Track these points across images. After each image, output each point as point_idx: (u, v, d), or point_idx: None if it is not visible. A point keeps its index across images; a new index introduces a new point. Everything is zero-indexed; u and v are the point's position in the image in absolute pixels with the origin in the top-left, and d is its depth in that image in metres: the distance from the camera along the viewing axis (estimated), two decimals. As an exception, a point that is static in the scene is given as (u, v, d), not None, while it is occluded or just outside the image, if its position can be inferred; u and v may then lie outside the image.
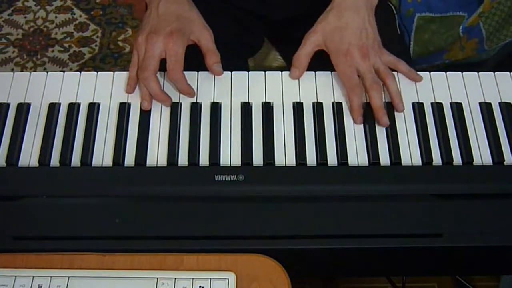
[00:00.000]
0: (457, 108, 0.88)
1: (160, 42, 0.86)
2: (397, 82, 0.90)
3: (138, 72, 0.87)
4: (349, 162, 0.83)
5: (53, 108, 0.88)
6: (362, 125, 0.87)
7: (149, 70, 0.86)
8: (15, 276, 0.70)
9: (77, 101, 0.89)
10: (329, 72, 0.92)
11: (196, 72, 0.92)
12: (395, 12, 1.09)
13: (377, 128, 0.86)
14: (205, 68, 0.91)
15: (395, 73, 0.92)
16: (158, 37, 0.86)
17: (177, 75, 0.87)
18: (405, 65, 0.92)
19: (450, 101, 0.90)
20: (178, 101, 0.89)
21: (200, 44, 0.90)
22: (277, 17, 1.10)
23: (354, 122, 0.87)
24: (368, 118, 0.87)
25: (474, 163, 0.84)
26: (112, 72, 0.92)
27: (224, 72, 0.92)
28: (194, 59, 0.90)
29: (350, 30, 0.89)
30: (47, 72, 0.92)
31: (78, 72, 0.92)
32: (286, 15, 1.09)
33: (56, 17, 2.08)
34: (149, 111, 0.87)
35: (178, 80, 0.87)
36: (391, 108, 0.88)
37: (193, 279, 0.70)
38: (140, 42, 0.88)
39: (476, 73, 0.93)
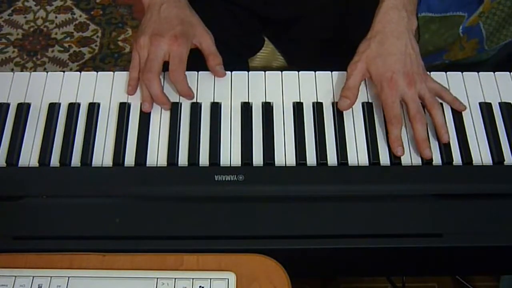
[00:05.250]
0: (457, 108, 0.88)
1: (164, 44, 0.86)
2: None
3: (141, 73, 0.87)
4: (349, 162, 0.83)
5: (53, 108, 0.88)
6: (362, 125, 0.87)
7: (152, 72, 0.86)
8: (15, 276, 0.70)
9: (77, 101, 0.89)
10: (329, 72, 0.92)
11: (196, 72, 0.92)
12: None
13: (377, 128, 0.86)
14: (204, 69, 0.91)
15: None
16: (162, 39, 0.87)
17: (179, 77, 0.87)
18: (450, 94, 0.88)
19: (450, 101, 0.90)
20: (178, 101, 0.89)
21: (202, 47, 0.91)
22: (279, 17, 1.09)
23: (394, 153, 0.83)
24: (368, 118, 0.87)
25: (474, 163, 0.84)
26: (112, 72, 0.92)
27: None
28: (194, 61, 0.90)
29: (393, 57, 0.86)
30: (47, 72, 0.92)
31: (78, 72, 0.92)
32: (289, 14, 1.09)
33: (56, 17, 2.08)
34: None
35: (179, 81, 0.87)
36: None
37: (193, 279, 0.70)
38: (143, 43, 0.88)
39: (476, 73, 0.93)
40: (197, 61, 0.90)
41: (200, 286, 0.69)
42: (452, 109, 0.88)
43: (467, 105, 0.89)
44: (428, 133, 0.85)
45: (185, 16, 0.91)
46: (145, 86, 0.87)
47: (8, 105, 0.89)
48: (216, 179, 0.80)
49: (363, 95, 0.90)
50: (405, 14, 0.88)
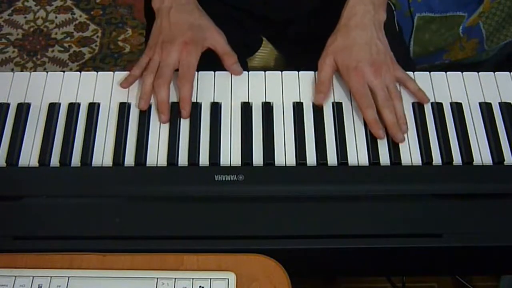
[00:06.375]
0: (457, 108, 0.88)
1: (174, 52, 0.88)
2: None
3: (155, 79, 0.87)
4: (349, 162, 0.83)
5: (53, 108, 0.88)
6: (362, 125, 0.87)
7: (163, 78, 0.87)
8: (15, 276, 0.70)
9: (77, 101, 0.89)
10: (329, 72, 0.92)
11: (196, 72, 0.91)
12: (393, 9, 1.09)
13: (377, 128, 0.86)
14: (204, 69, 0.91)
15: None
16: (172, 46, 0.88)
17: (185, 83, 0.87)
18: (415, 84, 0.90)
19: (450, 101, 0.90)
20: (178, 101, 0.88)
21: (216, 49, 0.92)
22: (278, 17, 1.10)
23: (377, 137, 0.84)
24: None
25: (474, 163, 0.84)
26: (112, 72, 0.92)
27: (224, 72, 0.92)
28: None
29: (358, 46, 0.88)
30: (47, 72, 0.92)
31: (78, 72, 0.92)
32: (288, 15, 1.09)
33: (56, 17, 2.08)
34: (149, 111, 0.87)
35: (182, 89, 0.87)
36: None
37: (193, 279, 0.70)
38: (154, 50, 0.89)
39: (476, 73, 0.93)
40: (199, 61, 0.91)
41: (200, 286, 0.69)
42: (453, 109, 0.88)
43: (467, 105, 0.89)
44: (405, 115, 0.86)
45: (194, 19, 0.92)
46: (155, 91, 0.87)
47: (8, 105, 0.89)
48: (216, 179, 0.80)
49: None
50: (371, 7, 0.91)
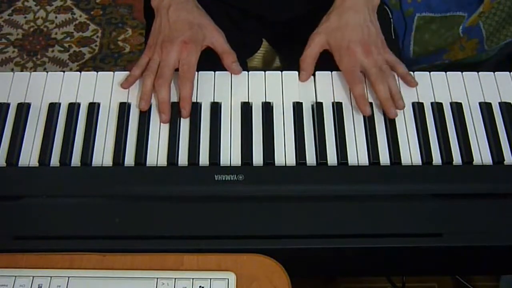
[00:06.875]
0: (457, 108, 0.88)
1: (174, 52, 0.88)
2: (398, 82, 0.90)
3: (155, 79, 0.88)
4: (349, 162, 0.83)
5: (53, 108, 0.88)
6: (362, 125, 0.87)
7: (163, 78, 0.87)
8: (15, 276, 0.70)
9: (77, 101, 0.89)
10: (329, 72, 0.92)
11: (196, 72, 0.91)
12: (390, 16, 1.09)
13: (377, 128, 0.86)
14: (203, 69, 0.91)
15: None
16: (172, 46, 0.88)
17: (186, 83, 0.87)
18: (404, 68, 0.92)
19: (450, 101, 0.90)
20: (178, 101, 0.88)
21: (215, 47, 0.92)
22: (274, 19, 1.10)
23: (363, 113, 0.86)
24: (368, 118, 0.87)
25: (474, 163, 0.84)
26: (112, 72, 0.92)
27: (224, 72, 0.92)
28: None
29: (350, 28, 0.90)
30: (47, 72, 0.92)
31: (78, 72, 0.92)
32: (284, 16, 1.09)
33: (56, 17, 2.08)
34: (149, 111, 0.87)
35: (182, 88, 0.87)
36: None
37: (193, 279, 0.70)
38: (154, 49, 0.89)
39: (476, 73, 0.93)
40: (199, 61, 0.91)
41: (200, 286, 0.69)
42: (453, 109, 0.88)
43: (467, 105, 0.89)
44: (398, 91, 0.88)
45: (194, 18, 0.92)
46: (155, 91, 0.87)
47: (8, 105, 0.89)
48: (216, 179, 0.80)
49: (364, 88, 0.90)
50: None
